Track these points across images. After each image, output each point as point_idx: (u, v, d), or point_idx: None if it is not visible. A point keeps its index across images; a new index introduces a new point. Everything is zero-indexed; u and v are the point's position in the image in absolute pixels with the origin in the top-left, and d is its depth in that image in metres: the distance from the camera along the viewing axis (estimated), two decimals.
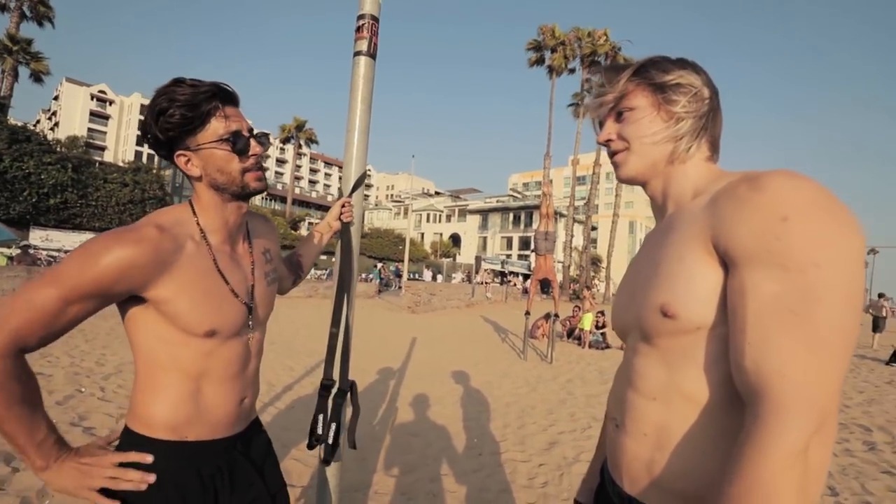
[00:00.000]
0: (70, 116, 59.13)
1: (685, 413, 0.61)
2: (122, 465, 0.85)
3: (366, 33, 1.55)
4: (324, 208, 56.41)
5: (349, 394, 1.41)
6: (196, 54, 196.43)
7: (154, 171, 21.64)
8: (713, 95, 0.73)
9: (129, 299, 0.84)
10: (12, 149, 16.85)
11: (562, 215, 45.53)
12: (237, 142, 0.90)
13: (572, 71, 26.91)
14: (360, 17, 1.56)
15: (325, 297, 16.06)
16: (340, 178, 1.61)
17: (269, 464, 1.09)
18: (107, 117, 62.99)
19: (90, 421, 3.21)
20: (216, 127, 0.88)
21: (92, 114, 61.49)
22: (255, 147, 0.93)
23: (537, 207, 39.12)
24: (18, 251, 13.41)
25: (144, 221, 0.87)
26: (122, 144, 63.32)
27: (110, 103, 63.49)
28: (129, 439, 0.88)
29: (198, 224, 0.92)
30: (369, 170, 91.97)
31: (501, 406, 4.51)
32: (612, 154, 0.77)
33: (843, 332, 0.49)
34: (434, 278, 25.72)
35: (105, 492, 0.82)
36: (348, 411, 1.43)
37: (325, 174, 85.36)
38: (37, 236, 17.59)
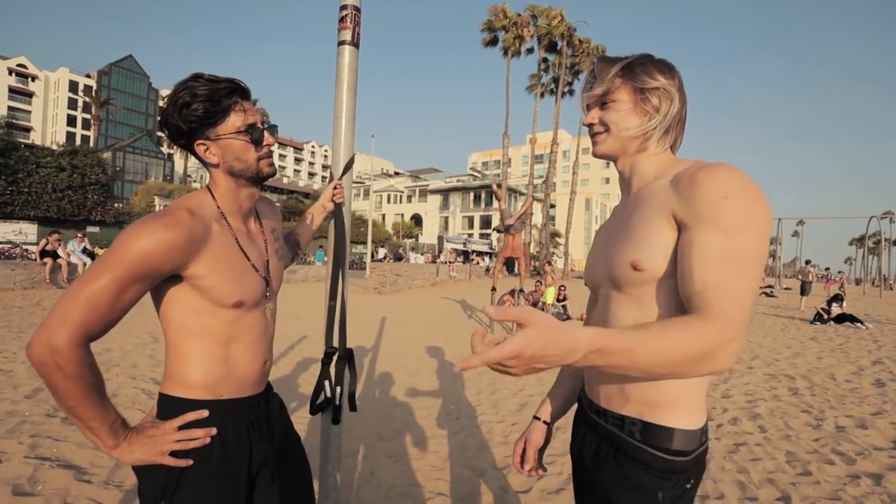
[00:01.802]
0: None
1: None
2: (184, 427, 0.95)
3: (349, 23, 1.63)
4: (280, 190, 54.23)
5: (348, 361, 1.56)
6: (134, 26, 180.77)
7: (93, 155, 20.13)
8: (683, 102, 0.88)
9: (166, 279, 0.94)
10: None
11: (521, 193, 46.28)
12: (254, 133, 1.00)
13: (530, 51, 27.04)
14: (343, 7, 1.64)
15: (317, 280, 15.83)
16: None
17: (284, 420, 1.22)
18: (30, 94, 57.45)
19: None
20: (235, 120, 0.98)
21: (11, 90, 55.87)
22: (268, 138, 1.04)
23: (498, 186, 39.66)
24: None
25: (175, 206, 0.96)
26: (50, 125, 58.13)
27: (33, 79, 57.86)
28: (170, 403, 0.98)
29: (218, 207, 1.02)
30: (326, 151, 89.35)
31: (474, 375, 4.77)
32: (593, 134, 0.93)
33: (756, 274, 0.71)
34: (399, 259, 25.72)
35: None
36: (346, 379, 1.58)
37: (280, 155, 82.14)
38: None
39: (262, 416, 1.10)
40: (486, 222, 47.30)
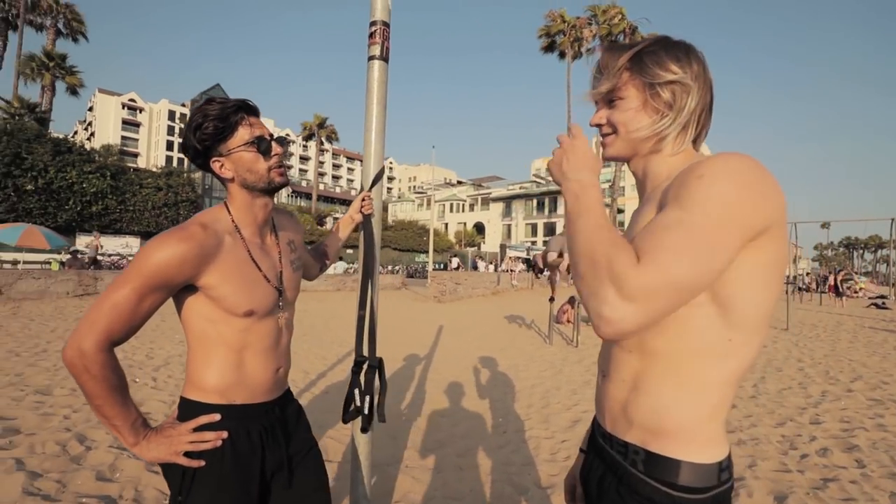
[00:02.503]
0: (104, 126, 61.71)
1: (652, 363, 0.73)
2: (197, 429, 1.02)
3: (378, 39, 1.67)
4: (348, 202, 57.16)
5: (378, 370, 1.57)
6: (217, 60, 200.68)
7: (185, 175, 22.49)
8: (704, 91, 0.76)
9: (184, 289, 1.01)
10: (56, 160, 17.88)
11: None
12: (261, 144, 1.06)
13: (590, 51, 26.25)
14: (372, 23, 1.68)
15: (353, 289, 16.45)
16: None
17: (302, 427, 1.26)
18: (138, 125, 65.42)
19: (146, 407, 3.52)
20: (243, 134, 1.05)
21: (124, 122, 63.97)
22: (276, 148, 1.10)
23: (561, 193, 38.55)
24: (69, 256, 14.28)
25: (190, 221, 1.03)
26: (153, 150, 65.69)
27: (140, 111, 65.84)
28: (188, 405, 1.05)
29: (232, 221, 1.08)
30: (391, 162, 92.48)
31: (526, 388, 4.63)
32: (602, 135, 0.85)
33: (697, 256, 0.59)
34: (460, 267, 25.86)
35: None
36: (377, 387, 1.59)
37: (348, 169, 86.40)
38: (83, 242, 18.66)
39: (277, 422, 1.14)
40: (550, 229, 46.23)
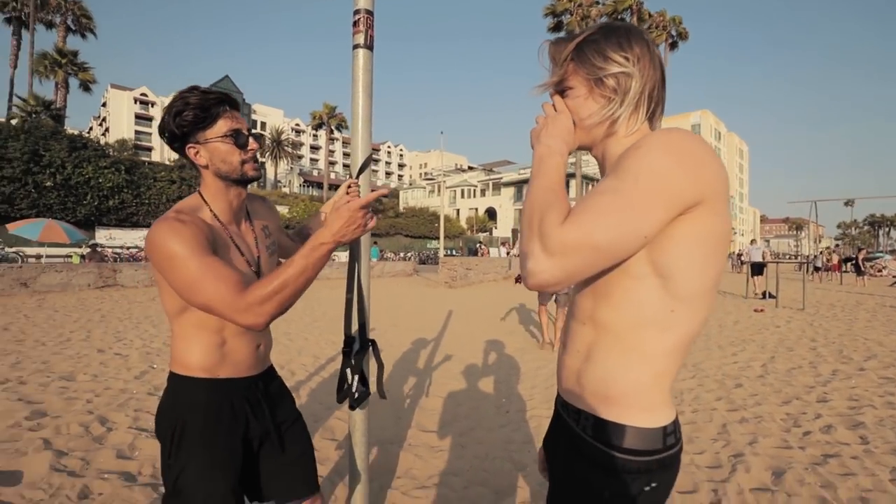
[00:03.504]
0: (118, 121, 62.61)
1: (602, 334, 0.76)
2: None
3: (362, 27, 1.69)
4: None
5: (371, 350, 1.63)
6: (225, 52, 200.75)
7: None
8: (651, 71, 0.77)
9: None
10: (73, 156, 18.27)
11: (597, 181, 43.97)
12: (238, 138, 1.11)
13: (560, 40, 25.64)
14: (356, 12, 1.69)
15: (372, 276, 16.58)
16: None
17: (286, 399, 1.35)
18: (150, 118, 66.16)
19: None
20: (222, 126, 1.09)
21: (137, 116, 64.78)
22: (252, 143, 1.14)
23: (572, 176, 38.16)
24: (88, 250, 14.69)
25: (172, 211, 1.07)
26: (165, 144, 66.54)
27: (152, 105, 66.54)
28: (176, 379, 1.14)
29: (209, 209, 1.13)
30: (401, 150, 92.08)
31: (532, 370, 4.69)
32: None
33: (622, 217, 0.63)
34: (475, 253, 25.89)
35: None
36: (374, 369, 1.66)
37: None
38: (101, 235, 19.17)
39: (262, 396, 1.22)
40: None
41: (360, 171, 1.70)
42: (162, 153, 63.42)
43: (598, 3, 24.43)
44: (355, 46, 1.71)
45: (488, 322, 7.77)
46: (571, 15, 24.44)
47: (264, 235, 1.28)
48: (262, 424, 1.21)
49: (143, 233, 20.37)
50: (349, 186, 1.65)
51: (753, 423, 3.26)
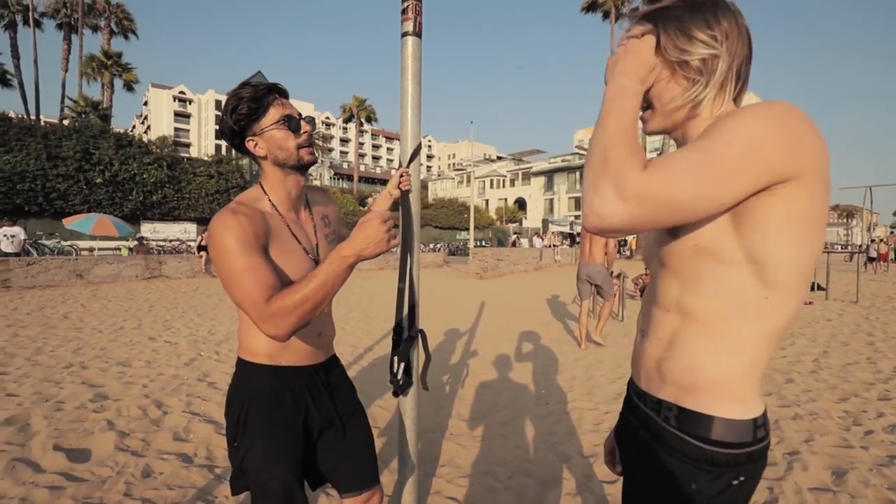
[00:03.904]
0: (158, 118, 65.22)
1: (690, 322, 0.73)
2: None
3: (411, 14, 1.67)
4: (375, 181, 57.57)
5: (419, 340, 1.64)
6: (258, 48, 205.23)
7: (234, 162, 23.49)
8: (739, 46, 0.72)
9: None
10: (119, 154, 19.15)
11: None
12: (290, 122, 1.13)
13: (634, 10, 24.71)
14: None
15: (395, 268, 16.77)
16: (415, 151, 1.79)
17: (346, 389, 1.37)
18: (188, 116, 68.60)
19: (212, 377, 3.84)
20: (274, 113, 1.11)
21: (176, 114, 67.27)
22: (304, 126, 1.16)
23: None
24: (135, 243, 15.45)
25: (231, 204, 1.10)
26: (203, 139, 68.85)
27: (189, 102, 68.90)
28: (242, 365, 1.18)
29: (269, 199, 1.16)
30: (430, 141, 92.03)
31: (569, 361, 4.63)
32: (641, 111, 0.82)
33: (707, 177, 0.60)
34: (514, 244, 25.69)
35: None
36: (422, 359, 1.67)
37: (388, 149, 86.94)
38: (147, 229, 20.08)
39: (322, 384, 1.25)
40: None
41: (411, 159, 1.70)
42: (199, 149, 65.71)
43: None
44: (404, 34, 1.70)
45: (522, 313, 7.72)
46: None
47: (323, 224, 1.30)
48: (323, 413, 1.23)
49: (184, 226, 21.25)
50: (401, 175, 1.66)
51: (808, 420, 3.11)
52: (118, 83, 28.89)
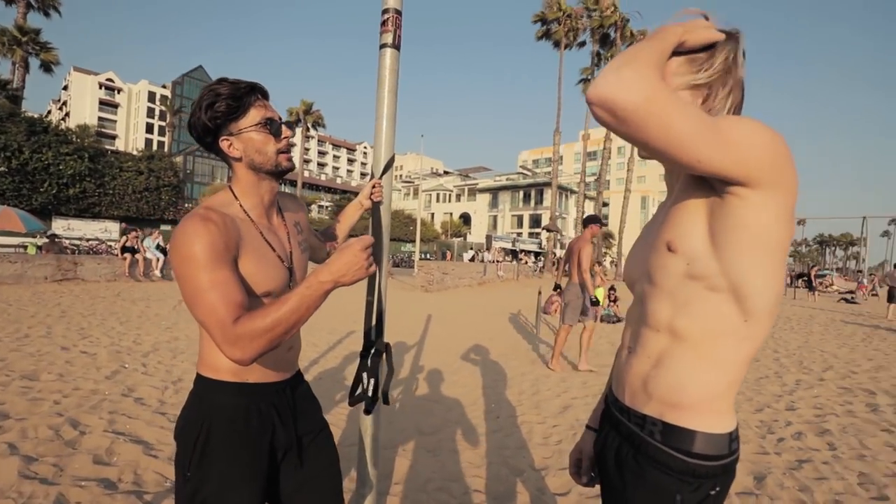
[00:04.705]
0: (80, 106, 59.56)
1: (677, 342, 0.79)
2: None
3: (391, 27, 1.68)
4: (333, 190, 56.46)
5: (385, 354, 1.61)
6: (199, 41, 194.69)
7: (167, 159, 21.92)
8: (727, 78, 0.78)
9: None
10: (31, 141, 17.25)
11: (572, 192, 45.09)
12: (272, 126, 1.07)
13: (582, 44, 26.45)
14: (385, 11, 1.68)
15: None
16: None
17: (313, 406, 1.28)
18: (116, 105, 63.33)
19: (138, 392, 3.50)
20: (255, 115, 1.05)
21: (101, 102, 61.89)
22: (286, 131, 1.10)
23: (547, 185, 38.89)
24: (46, 240, 13.87)
25: (199, 208, 1.02)
26: (132, 132, 63.76)
27: (118, 91, 63.71)
28: (203, 383, 1.07)
29: (240, 204, 1.09)
30: None
31: (517, 375, 4.73)
32: None
33: (705, 128, 0.64)
34: (474, 258, 25.88)
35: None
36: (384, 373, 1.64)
37: (334, 156, 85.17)
38: (59, 226, 18.14)
39: (288, 402, 1.16)
40: (535, 221, 46.53)
41: (384, 171, 1.69)
42: (127, 142, 60.73)
43: (588, 16, 25.11)
44: (382, 46, 1.70)
45: (469, 327, 7.80)
46: (560, 24, 25.05)
47: (296, 231, 1.24)
48: (289, 433, 1.14)
49: (105, 224, 19.39)
50: (373, 186, 1.64)
51: None
52: (34, 63, 26.08)
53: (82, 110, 58.55)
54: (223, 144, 1.06)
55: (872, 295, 21.83)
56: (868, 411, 3.97)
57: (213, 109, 1.02)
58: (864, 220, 27.42)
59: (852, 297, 18.48)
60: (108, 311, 7.06)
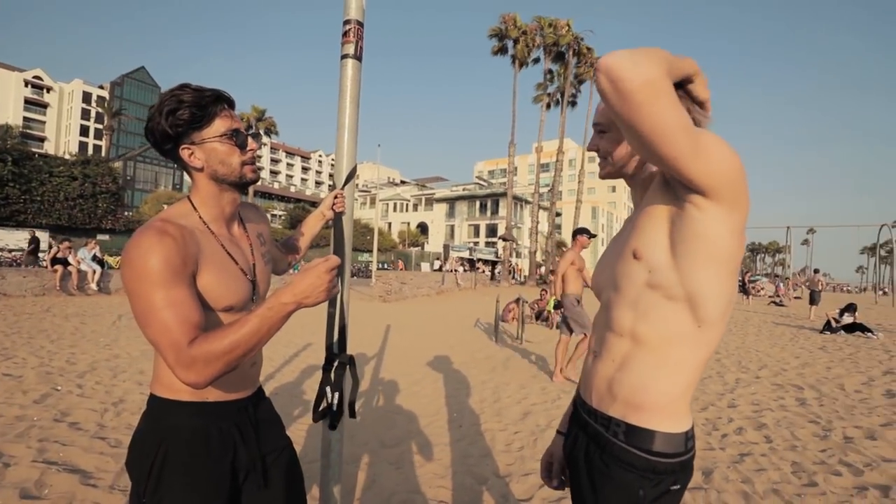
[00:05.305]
0: (3, 104, 54.66)
1: (639, 347, 0.84)
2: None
3: (352, 37, 1.68)
4: (286, 199, 54.91)
5: (349, 366, 1.59)
6: (140, 39, 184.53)
7: (105, 164, 20.49)
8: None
9: None
10: None
11: (527, 202, 46.28)
12: (238, 137, 1.03)
13: (536, 61, 27.40)
14: (346, 22, 1.69)
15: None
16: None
17: (275, 424, 1.23)
18: (44, 105, 58.69)
19: (73, 416, 3.22)
20: (220, 125, 1.01)
21: (27, 101, 57.14)
22: (251, 143, 1.07)
23: (503, 195, 39.74)
24: None
25: (155, 219, 0.97)
26: (63, 135, 59.24)
27: (48, 90, 59.13)
28: (157, 403, 1.02)
29: (199, 216, 1.05)
30: (332, 160, 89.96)
31: (478, 384, 4.77)
32: (600, 158, 0.96)
33: (684, 126, 0.68)
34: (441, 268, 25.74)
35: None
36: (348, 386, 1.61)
37: (288, 164, 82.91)
38: None
39: (250, 420, 1.12)
40: (491, 230, 47.29)
41: (346, 181, 1.68)
42: (58, 145, 56.31)
43: (538, 34, 26.06)
44: (344, 56, 1.70)
45: (429, 336, 7.78)
46: (517, 42, 25.83)
47: (259, 243, 1.20)
48: (251, 453, 1.09)
49: (25, 234, 17.76)
50: (335, 197, 1.62)
51: None
52: None
53: (5, 109, 53.67)
54: (184, 153, 1.01)
55: (796, 298, 23.83)
56: (797, 405, 4.32)
57: (176, 116, 0.97)
58: (788, 230, 30.00)
59: (780, 301, 20.09)
60: (36, 329, 6.46)
